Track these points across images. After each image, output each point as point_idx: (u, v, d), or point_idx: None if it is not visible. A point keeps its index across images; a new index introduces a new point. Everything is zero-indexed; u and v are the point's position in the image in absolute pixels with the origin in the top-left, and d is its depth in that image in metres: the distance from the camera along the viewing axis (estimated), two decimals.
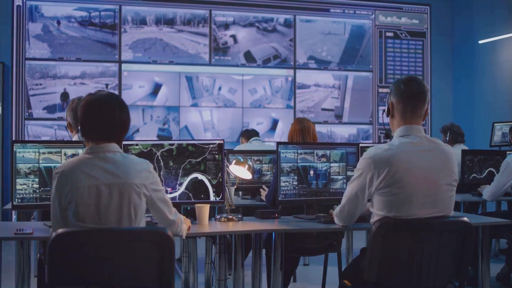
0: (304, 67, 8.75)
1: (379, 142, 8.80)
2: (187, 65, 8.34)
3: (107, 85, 7.97)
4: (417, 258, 2.64)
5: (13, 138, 7.47)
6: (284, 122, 8.64)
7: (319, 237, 3.83)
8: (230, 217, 3.35)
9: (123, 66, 8.12)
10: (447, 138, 6.09)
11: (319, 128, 8.85)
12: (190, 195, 3.33)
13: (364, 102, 8.97)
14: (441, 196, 2.67)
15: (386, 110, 2.93)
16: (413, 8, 9.19)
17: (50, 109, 7.86)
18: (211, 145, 3.33)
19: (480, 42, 8.88)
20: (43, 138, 7.47)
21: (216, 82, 8.44)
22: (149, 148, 3.30)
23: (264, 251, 3.70)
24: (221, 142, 3.34)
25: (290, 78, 8.71)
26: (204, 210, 3.19)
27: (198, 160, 3.32)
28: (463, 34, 9.28)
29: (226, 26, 8.48)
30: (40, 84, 7.84)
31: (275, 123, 8.65)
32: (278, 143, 3.41)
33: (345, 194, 2.89)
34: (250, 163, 3.29)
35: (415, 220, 2.64)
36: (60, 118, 7.83)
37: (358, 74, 8.97)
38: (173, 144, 3.31)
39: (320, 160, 3.46)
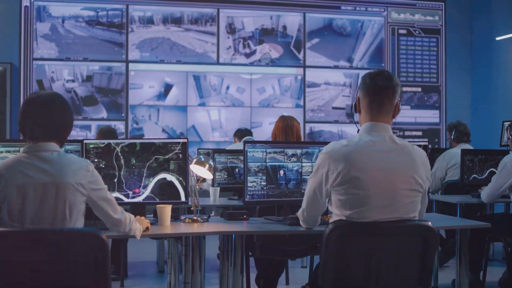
0: (314, 65, 8.60)
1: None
2: (195, 64, 8.28)
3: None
4: (375, 263, 2.49)
5: (21, 138, 7.50)
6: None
7: (301, 239, 3.71)
8: (195, 218, 3.25)
9: (130, 65, 8.10)
10: (452, 137, 5.89)
11: (329, 128, 8.78)
12: (157, 199, 3.23)
13: None
14: (401, 201, 2.48)
15: (353, 105, 2.79)
16: (427, 4, 8.95)
17: None
18: (176, 145, 3.24)
19: (498, 38, 8.61)
20: None
21: (224, 81, 8.36)
22: (106, 143, 3.21)
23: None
24: (185, 141, 3.25)
25: (299, 77, 8.58)
26: (165, 210, 3.10)
27: (166, 157, 3.21)
28: (481, 31, 9.01)
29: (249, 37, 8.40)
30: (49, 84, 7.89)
31: None
32: (245, 142, 3.30)
33: (305, 193, 2.75)
34: (211, 163, 3.18)
35: (372, 223, 2.48)
36: None
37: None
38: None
39: (290, 160, 3.34)
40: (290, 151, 3.34)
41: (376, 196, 2.47)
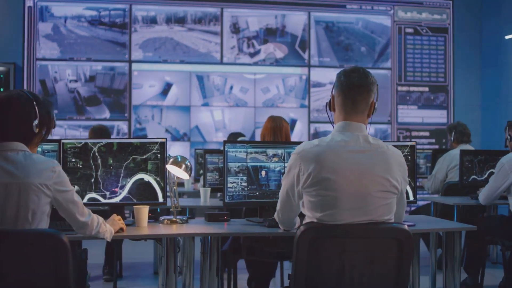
0: (319, 65, 8.50)
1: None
2: (198, 64, 8.23)
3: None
4: (348, 267, 2.42)
5: None
6: (302, 122, 8.44)
7: (286, 241, 3.63)
8: (174, 219, 3.19)
9: (133, 65, 8.07)
10: (452, 138, 5.77)
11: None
12: (134, 200, 3.18)
13: (383, 100, 8.65)
14: (374, 204, 2.39)
15: (327, 103, 2.71)
16: (435, 3, 8.81)
17: (62, 109, 7.89)
18: (153, 145, 3.18)
19: (507, 37, 8.45)
20: (53, 137, 7.49)
21: (227, 81, 8.30)
22: (84, 143, 3.16)
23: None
24: (163, 141, 3.19)
25: (304, 77, 8.49)
26: (142, 211, 3.05)
27: (143, 157, 3.16)
28: (490, 30, 8.85)
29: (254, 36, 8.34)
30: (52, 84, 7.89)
31: (292, 123, 8.45)
32: (225, 142, 3.23)
33: (279, 195, 2.68)
34: (188, 163, 3.11)
35: (345, 226, 2.40)
36: (71, 118, 7.86)
37: (376, 72, 8.65)
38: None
39: (271, 160, 3.26)
40: (271, 151, 3.27)
41: (348, 198, 2.39)
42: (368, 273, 2.44)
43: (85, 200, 3.17)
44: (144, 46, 8.12)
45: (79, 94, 7.95)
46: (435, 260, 4.76)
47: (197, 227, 3.14)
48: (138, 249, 5.95)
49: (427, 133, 8.77)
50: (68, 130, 7.85)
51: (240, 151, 3.24)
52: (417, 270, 3.43)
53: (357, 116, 2.53)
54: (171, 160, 3.09)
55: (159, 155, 3.17)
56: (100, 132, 5.24)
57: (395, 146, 3.39)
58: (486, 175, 5.02)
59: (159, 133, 8.07)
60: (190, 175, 3.13)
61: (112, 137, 7.55)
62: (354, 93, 2.52)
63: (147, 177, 3.15)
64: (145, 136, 8.01)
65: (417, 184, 6.84)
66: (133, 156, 3.14)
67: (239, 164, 3.24)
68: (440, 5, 8.82)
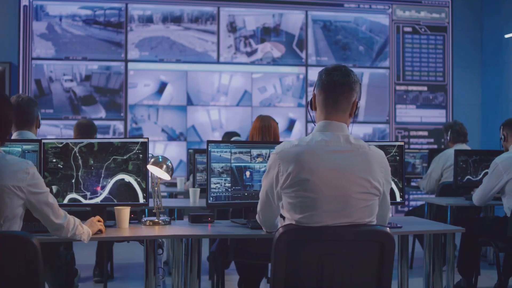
0: (316, 64, 8.44)
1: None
2: (195, 63, 8.17)
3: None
4: (328, 270, 2.36)
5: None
6: (301, 122, 8.38)
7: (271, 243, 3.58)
8: (156, 220, 3.14)
9: (130, 65, 8.03)
10: (448, 137, 5.70)
11: None
12: (115, 200, 3.13)
13: (381, 100, 8.58)
14: (354, 206, 2.33)
15: (308, 102, 2.65)
16: (433, 1, 8.72)
17: (57, 108, 7.85)
18: (134, 145, 3.13)
19: (506, 36, 8.37)
20: (49, 137, 7.45)
21: (224, 80, 8.24)
22: (65, 143, 3.11)
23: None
24: (145, 140, 3.14)
25: (301, 76, 8.43)
26: (122, 212, 3.00)
27: (124, 157, 3.11)
28: (491, 28, 8.77)
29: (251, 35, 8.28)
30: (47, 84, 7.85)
31: (292, 123, 8.39)
32: (208, 142, 3.18)
33: (259, 195, 2.62)
34: (169, 164, 3.06)
35: (324, 228, 2.34)
36: (66, 118, 7.82)
37: (374, 71, 8.59)
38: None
39: (255, 160, 3.20)
40: (255, 151, 3.21)
41: (327, 199, 2.33)
42: (349, 276, 2.38)
43: (65, 200, 3.12)
44: (140, 45, 8.08)
45: (74, 94, 7.91)
46: (429, 261, 4.68)
47: (180, 228, 3.09)
48: (130, 250, 5.89)
49: (425, 133, 8.69)
50: (64, 130, 7.81)
51: (224, 151, 3.18)
52: (406, 272, 3.36)
53: (338, 116, 2.47)
54: (152, 160, 3.03)
55: (140, 155, 3.12)
56: (85, 128, 5.09)
57: (383, 146, 3.38)
58: (481, 176, 4.94)
59: (155, 132, 8.03)
60: (171, 176, 3.07)
61: (108, 136, 7.53)
62: (335, 91, 2.46)
63: (127, 178, 3.09)
64: (140, 136, 7.96)
65: (414, 184, 6.83)
66: (114, 157, 3.09)
67: (223, 164, 3.18)
68: (439, 4, 8.74)
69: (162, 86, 8.09)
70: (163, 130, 8.09)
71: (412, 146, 8.48)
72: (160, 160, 3.02)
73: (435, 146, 8.51)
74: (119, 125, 7.97)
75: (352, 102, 2.51)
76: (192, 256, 2.95)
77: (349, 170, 2.35)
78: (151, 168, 3.02)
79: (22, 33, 7.79)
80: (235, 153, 3.19)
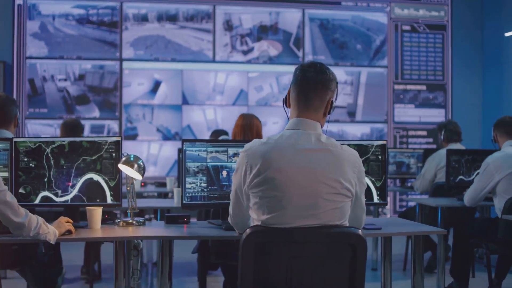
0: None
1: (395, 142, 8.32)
2: (190, 62, 8.10)
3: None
4: (297, 273, 2.27)
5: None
6: None
7: None
8: (130, 221, 3.06)
9: (124, 64, 7.96)
10: (442, 137, 5.59)
11: (329, 127, 8.42)
12: (84, 199, 3.06)
13: (379, 99, 8.47)
14: (323, 207, 2.23)
15: (284, 99, 2.56)
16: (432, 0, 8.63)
17: (51, 108, 7.80)
18: (108, 142, 3.06)
19: (507, 35, 8.24)
20: (42, 136, 7.40)
21: (220, 79, 8.16)
22: (38, 144, 3.04)
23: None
24: (118, 139, 3.06)
25: None
26: (94, 213, 2.92)
27: (93, 158, 3.04)
28: (492, 27, 8.64)
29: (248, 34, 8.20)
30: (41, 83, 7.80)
31: None
32: (183, 140, 3.10)
33: (230, 195, 2.53)
34: (141, 163, 2.97)
35: (293, 229, 2.25)
36: (60, 117, 7.76)
37: (372, 70, 8.49)
38: (65, 140, 3.05)
39: (231, 160, 3.12)
40: (232, 151, 3.12)
41: (295, 199, 2.24)
42: (319, 280, 2.29)
43: (38, 199, 3.06)
44: (135, 44, 8.01)
45: (68, 93, 7.85)
46: (412, 263, 4.58)
47: (154, 229, 3.01)
48: None
49: (424, 133, 8.58)
50: (58, 130, 7.74)
51: (200, 150, 3.10)
52: (389, 273, 3.26)
53: (310, 114, 2.39)
54: (123, 159, 2.95)
55: (113, 154, 3.04)
56: (71, 127, 5.05)
57: (365, 145, 3.28)
58: (473, 176, 4.83)
59: (150, 132, 7.96)
60: (143, 176, 2.99)
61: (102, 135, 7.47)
62: (307, 89, 2.38)
63: (96, 177, 3.03)
64: (135, 136, 7.91)
65: (408, 184, 6.72)
66: (83, 157, 3.02)
67: (199, 163, 3.09)
68: (438, 2, 8.63)
69: (157, 85, 8.01)
70: (158, 130, 8.02)
71: (410, 146, 8.38)
72: (132, 159, 2.94)
73: (434, 146, 8.39)
74: (113, 125, 7.91)
75: (327, 101, 2.42)
76: (163, 258, 2.86)
77: (319, 170, 2.26)
78: (122, 167, 2.95)
79: (16, 32, 7.75)
80: (211, 152, 3.11)
